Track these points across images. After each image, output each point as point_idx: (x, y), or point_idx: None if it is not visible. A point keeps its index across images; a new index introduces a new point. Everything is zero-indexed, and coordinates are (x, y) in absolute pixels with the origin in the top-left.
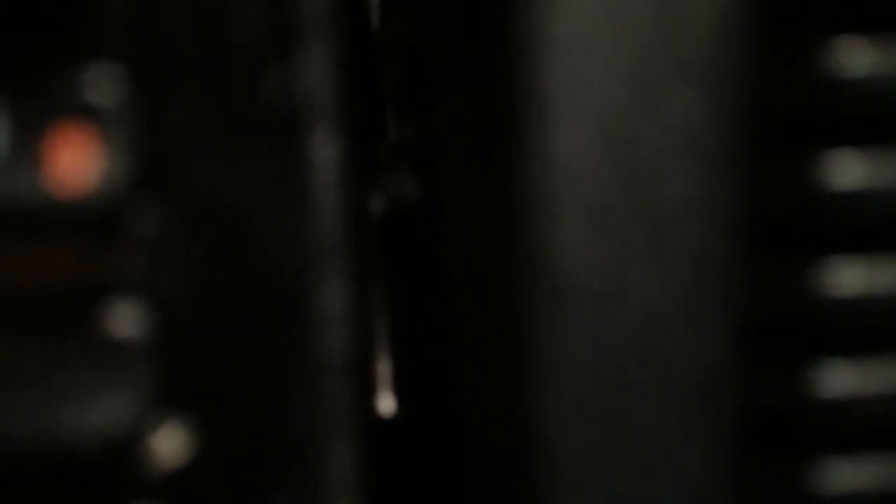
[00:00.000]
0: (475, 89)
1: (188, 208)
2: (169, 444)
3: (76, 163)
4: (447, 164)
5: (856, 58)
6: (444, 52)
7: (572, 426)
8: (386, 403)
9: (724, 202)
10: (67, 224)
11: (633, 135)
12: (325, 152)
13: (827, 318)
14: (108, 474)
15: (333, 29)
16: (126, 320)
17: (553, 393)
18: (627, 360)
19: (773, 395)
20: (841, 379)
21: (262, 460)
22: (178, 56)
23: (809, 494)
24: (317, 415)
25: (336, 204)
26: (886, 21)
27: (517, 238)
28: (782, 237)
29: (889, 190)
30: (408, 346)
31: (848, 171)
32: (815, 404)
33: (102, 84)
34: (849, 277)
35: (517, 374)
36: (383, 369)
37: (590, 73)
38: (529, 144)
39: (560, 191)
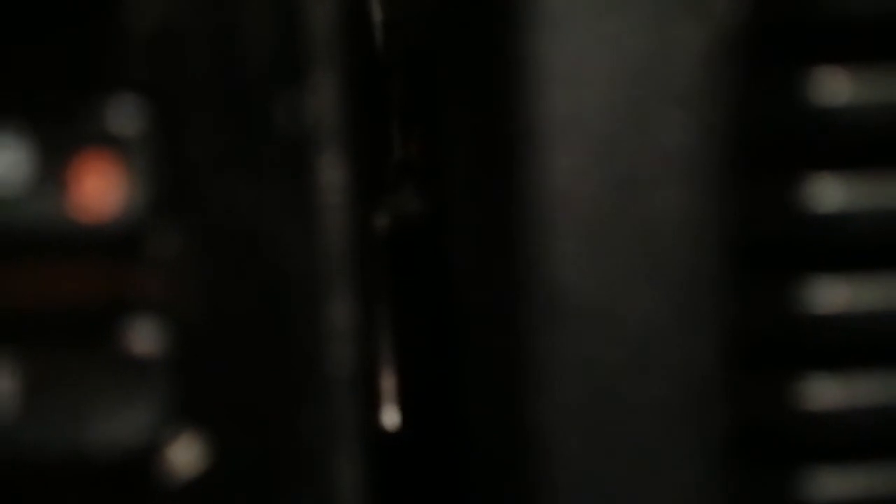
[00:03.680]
0: (476, 113)
1: (204, 231)
2: (185, 455)
3: (99, 188)
4: (449, 184)
5: (836, 86)
6: (446, 76)
7: (569, 437)
8: (390, 416)
9: (714, 222)
10: (91, 246)
11: (626, 157)
12: (332, 174)
13: (812, 334)
14: (126, 484)
15: (339, 58)
16: (145, 337)
17: (550, 405)
18: (622, 373)
19: (760, 408)
20: (826, 392)
21: (272, 471)
22: (195, 86)
23: None
24: (325, 427)
25: (343, 223)
26: (864, 52)
27: (517, 255)
28: (769, 256)
29: (869, 212)
30: (411, 360)
31: (830, 193)
32: (801, 417)
33: (124, 113)
34: (832, 295)
35: (516, 386)
36: (388, 383)
37: (586, 98)
38: (528, 166)
39: (557, 210)
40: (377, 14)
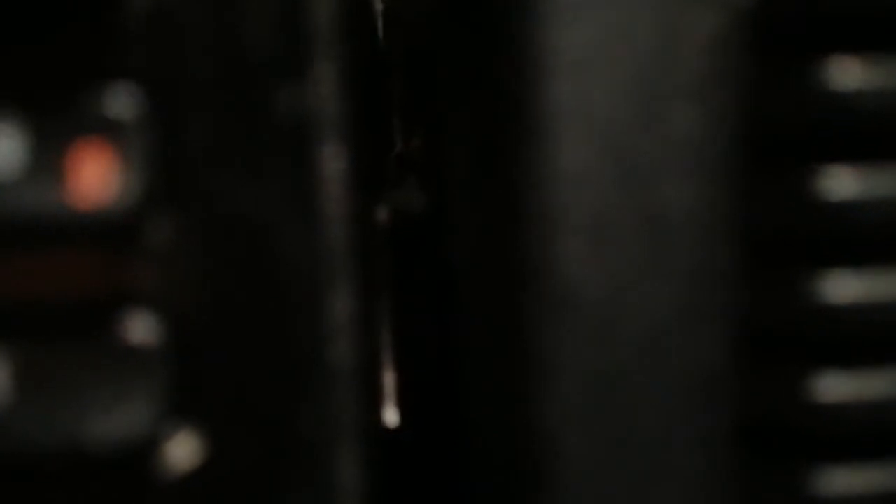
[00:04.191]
0: (480, 105)
1: (202, 220)
2: (182, 448)
3: (96, 177)
4: (452, 178)
5: (847, 75)
6: (450, 68)
7: (575, 434)
8: (391, 412)
9: (723, 214)
10: (87, 235)
11: (633, 149)
12: (333, 166)
13: (823, 327)
14: (123, 478)
15: (341, 49)
16: (142, 328)
17: (555, 401)
18: (628, 368)
19: (770, 403)
20: (837, 386)
21: (271, 466)
22: (194, 75)
23: (807, 500)
24: (325, 421)
25: (344, 216)
26: (875, 40)
27: (521, 249)
28: (779, 248)
29: (881, 202)
30: (412, 356)
31: (841, 183)
32: (811, 411)
33: (122, 101)
34: (843, 287)
35: (520, 383)
36: (389, 378)
37: (592, 89)
38: (533, 159)
39: (563, 203)
40: (379, 4)
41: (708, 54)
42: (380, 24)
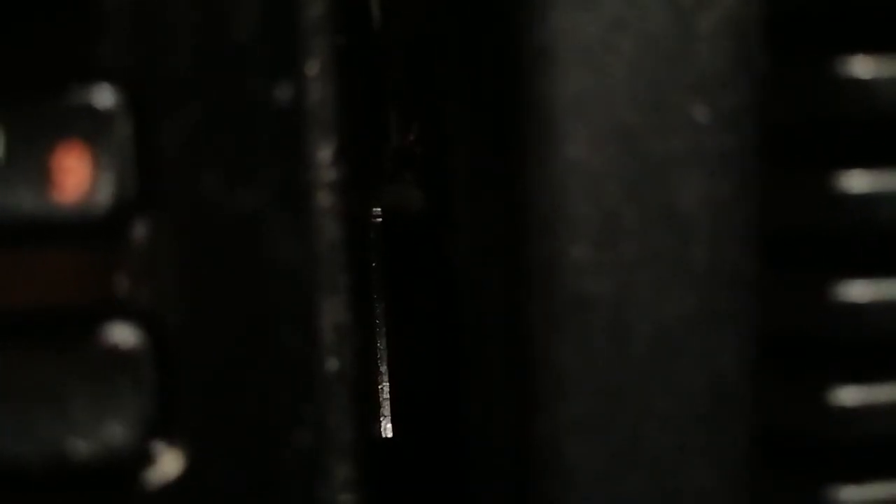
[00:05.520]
0: (486, 100)
1: (189, 221)
2: (170, 456)
3: (79, 176)
4: (454, 173)
5: (865, 73)
6: (450, 59)
7: (582, 444)
8: (387, 418)
9: (737, 218)
10: (70, 236)
11: (645, 150)
12: (326, 166)
13: (841, 333)
14: (109, 488)
15: (333, 44)
16: (127, 333)
17: (562, 410)
18: (639, 376)
19: (786, 411)
20: (855, 394)
21: (261, 478)
22: (180, 72)
23: None
24: (317, 429)
25: (336, 216)
26: (891, 39)
27: (527, 250)
28: (797, 249)
29: None
30: (410, 362)
31: (862, 181)
32: (832, 420)
33: (106, 99)
34: (863, 292)
35: (525, 390)
36: (384, 385)
37: (603, 87)
38: (540, 154)
39: (571, 201)
40: None
41: (722, 55)
42: (376, 15)
